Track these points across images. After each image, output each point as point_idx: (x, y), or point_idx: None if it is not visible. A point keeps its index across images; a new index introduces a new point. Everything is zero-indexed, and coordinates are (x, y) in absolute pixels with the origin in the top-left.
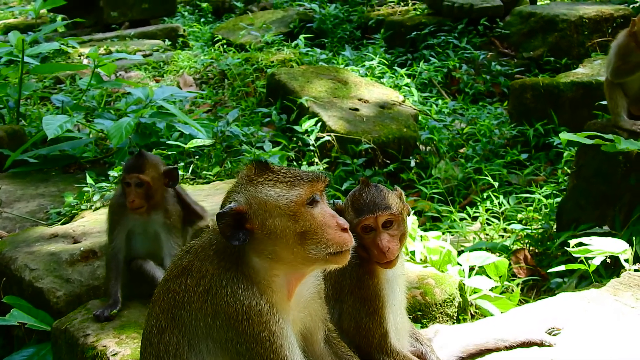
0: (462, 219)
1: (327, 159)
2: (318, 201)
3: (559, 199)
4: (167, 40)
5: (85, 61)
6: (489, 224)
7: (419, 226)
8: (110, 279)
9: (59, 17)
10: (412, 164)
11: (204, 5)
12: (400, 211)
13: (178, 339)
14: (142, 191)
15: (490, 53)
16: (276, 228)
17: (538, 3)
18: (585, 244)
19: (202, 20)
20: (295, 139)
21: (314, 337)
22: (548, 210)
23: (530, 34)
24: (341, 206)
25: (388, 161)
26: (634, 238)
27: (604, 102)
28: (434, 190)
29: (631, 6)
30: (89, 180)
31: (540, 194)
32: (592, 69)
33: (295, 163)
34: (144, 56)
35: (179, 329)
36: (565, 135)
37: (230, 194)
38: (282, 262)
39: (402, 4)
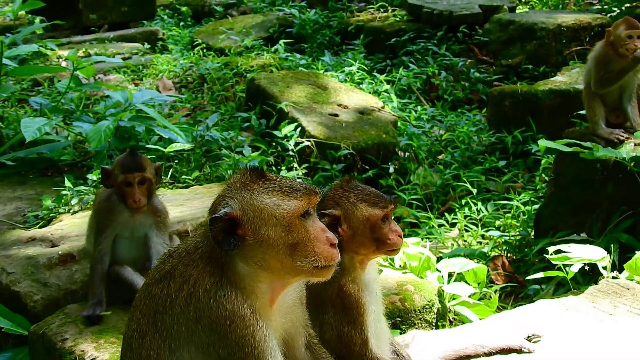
0: (440, 225)
1: (306, 164)
2: (311, 214)
3: (537, 206)
4: (146, 43)
5: (64, 64)
6: (467, 231)
7: None
8: (95, 281)
9: (38, 19)
10: (391, 170)
11: (184, 9)
12: None
13: (159, 344)
14: (144, 189)
15: (469, 60)
16: (269, 237)
17: (517, 11)
18: (564, 251)
19: (182, 24)
20: (274, 144)
21: (295, 343)
22: (526, 217)
23: (509, 41)
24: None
25: (367, 167)
26: (611, 245)
27: (583, 111)
28: (412, 197)
29: (609, 15)
30: (67, 183)
31: (518, 201)
32: (570, 77)
33: (274, 168)
34: (123, 59)
35: (161, 333)
36: (543, 143)
37: (223, 198)
38: (269, 270)
39: (381, 10)
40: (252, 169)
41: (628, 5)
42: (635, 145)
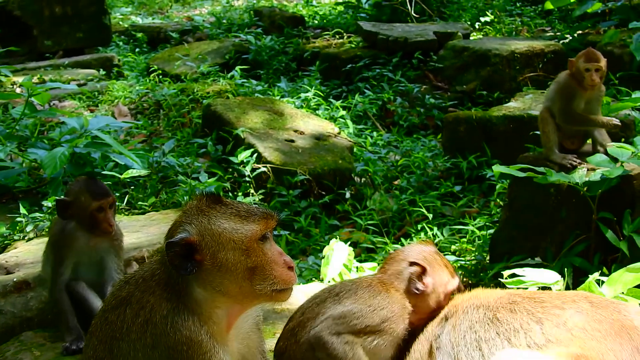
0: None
1: (262, 190)
2: (268, 238)
3: (492, 231)
4: (101, 69)
5: (18, 90)
6: None
7: (355, 257)
8: (67, 316)
9: None
10: (348, 195)
11: (139, 35)
12: None
13: None
14: (113, 212)
15: (424, 86)
16: (227, 261)
17: (471, 38)
18: (518, 275)
19: (137, 50)
20: (231, 169)
21: None
22: (481, 241)
23: (464, 68)
24: None
25: (323, 192)
26: (565, 269)
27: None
28: (369, 222)
29: (561, 42)
30: (22, 210)
31: (473, 225)
32: (523, 103)
33: (231, 194)
34: (79, 85)
35: None
36: (497, 168)
37: (180, 223)
38: (227, 295)
39: (337, 36)
40: (209, 195)
41: (580, 32)
42: (588, 170)
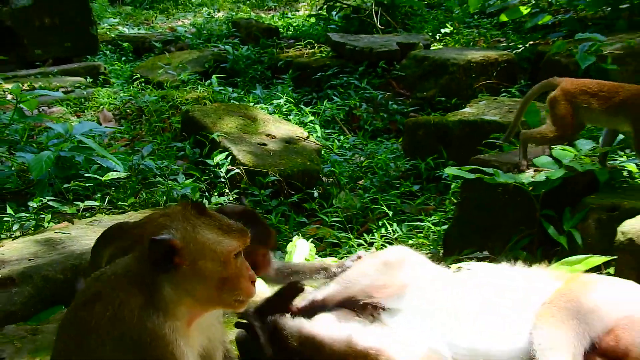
0: (359, 245)
1: (236, 190)
2: (240, 253)
3: (446, 227)
4: (88, 77)
5: (9, 97)
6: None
7: (320, 252)
8: None
9: None
10: (315, 194)
11: (125, 44)
12: None
13: None
14: None
15: (387, 93)
16: (205, 269)
17: (432, 48)
18: (463, 268)
19: (123, 59)
20: (207, 171)
21: (214, 358)
22: (436, 236)
23: (424, 76)
24: None
25: (293, 192)
26: (511, 261)
27: (490, 140)
28: (334, 219)
29: (514, 52)
30: (9, 210)
31: (429, 222)
32: (478, 109)
33: (207, 194)
34: (66, 92)
35: (86, 353)
36: (450, 170)
37: (165, 226)
38: (194, 298)
39: (308, 47)
40: (195, 204)
41: (531, 42)
42: (534, 171)
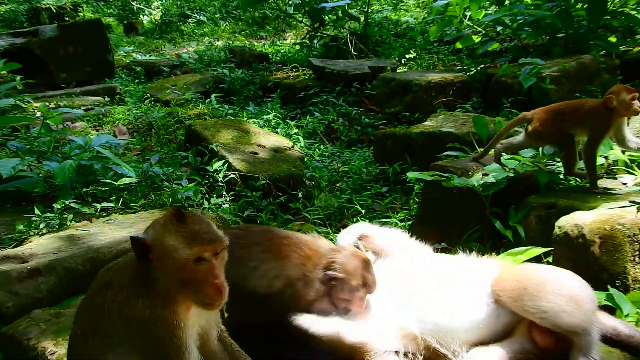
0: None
1: (232, 192)
2: (207, 260)
3: (410, 222)
4: (106, 97)
5: (37, 114)
6: None
7: None
8: None
9: (18, 78)
10: (299, 195)
11: (138, 68)
12: None
13: (98, 343)
14: None
15: (360, 109)
16: (167, 269)
17: (398, 71)
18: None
19: (136, 81)
20: (207, 176)
21: (210, 337)
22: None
23: (391, 94)
24: None
25: (280, 194)
26: (466, 252)
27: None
28: (315, 216)
29: (467, 74)
30: (36, 211)
31: (396, 218)
32: (437, 122)
33: (207, 196)
34: (87, 110)
35: (100, 334)
36: (412, 174)
37: (149, 226)
38: (176, 290)
39: (294, 70)
40: (175, 211)
41: (482, 66)
42: (482, 175)
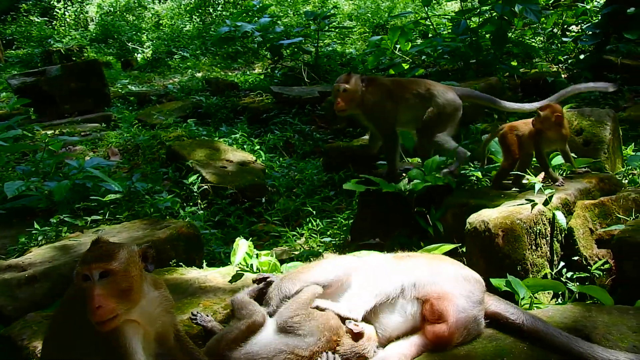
0: (294, 236)
1: (205, 201)
2: (92, 278)
3: (352, 221)
4: (103, 123)
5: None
6: (310, 238)
7: (265, 242)
8: None
9: (31, 110)
10: (262, 201)
11: (132, 98)
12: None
13: (67, 344)
14: None
15: (313, 127)
16: None
17: None
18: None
19: (130, 108)
20: (184, 188)
21: (167, 338)
22: (345, 228)
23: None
24: None
25: (245, 200)
26: (394, 247)
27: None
28: (275, 218)
29: None
30: (36, 225)
31: (341, 217)
32: None
33: (184, 204)
34: (86, 135)
35: (69, 335)
36: (347, 185)
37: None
38: None
39: (258, 96)
40: (94, 239)
41: None
42: (409, 181)
